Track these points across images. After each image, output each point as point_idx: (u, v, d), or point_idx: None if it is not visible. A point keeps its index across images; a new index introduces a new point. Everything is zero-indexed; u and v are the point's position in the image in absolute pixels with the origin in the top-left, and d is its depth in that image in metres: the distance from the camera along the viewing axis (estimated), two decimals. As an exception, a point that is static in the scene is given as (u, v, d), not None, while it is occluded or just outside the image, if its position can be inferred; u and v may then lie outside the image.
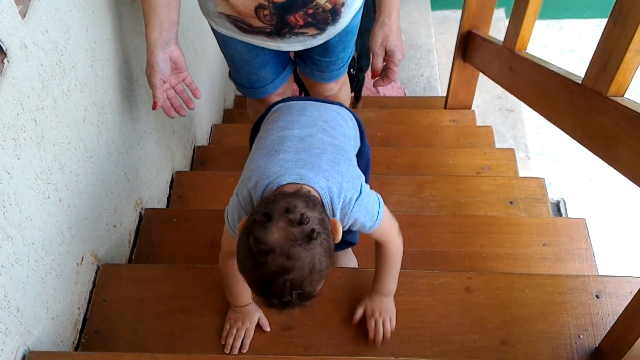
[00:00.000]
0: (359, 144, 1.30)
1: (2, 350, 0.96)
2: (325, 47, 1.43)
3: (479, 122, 2.76)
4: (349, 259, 1.58)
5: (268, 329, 1.24)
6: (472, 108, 2.78)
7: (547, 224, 1.62)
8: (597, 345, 1.21)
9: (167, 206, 1.86)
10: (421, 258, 1.55)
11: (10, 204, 0.97)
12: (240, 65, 1.50)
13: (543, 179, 1.91)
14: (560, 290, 1.29)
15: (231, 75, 1.62)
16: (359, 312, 1.24)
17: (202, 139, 2.40)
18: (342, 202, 0.98)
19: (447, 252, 1.56)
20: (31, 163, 1.04)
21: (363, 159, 1.33)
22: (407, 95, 3.43)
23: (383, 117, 2.67)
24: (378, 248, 1.17)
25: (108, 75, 1.36)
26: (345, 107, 1.33)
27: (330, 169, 1.00)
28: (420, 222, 1.63)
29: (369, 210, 1.02)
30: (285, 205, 0.87)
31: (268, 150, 1.06)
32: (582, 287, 1.30)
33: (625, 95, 1.27)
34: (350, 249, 1.57)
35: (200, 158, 2.23)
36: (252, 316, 1.24)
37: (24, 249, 1.02)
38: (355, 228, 1.05)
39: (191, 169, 2.19)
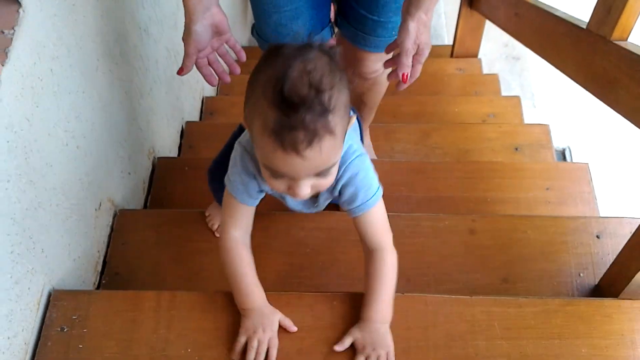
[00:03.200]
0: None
1: (29, 288, 1.01)
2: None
3: (485, 71, 2.76)
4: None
5: (295, 329, 1.03)
6: (479, 56, 2.78)
7: (550, 168, 1.65)
8: (596, 283, 1.26)
9: (179, 155, 1.90)
10: (426, 203, 1.59)
11: (31, 150, 1.01)
12: (269, 11, 1.27)
13: (548, 125, 1.94)
14: (562, 231, 1.33)
15: (255, 29, 1.37)
16: (347, 342, 1.01)
17: (211, 90, 2.43)
18: (346, 149, 0.93)
19: (452, 197, 1.60)
20: (49, 111, 1.07)
21: None
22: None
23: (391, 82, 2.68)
24: (369, 260, 1.03)
25: (117, 25, 1.38)
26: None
27: None
28: (425, 168, 1.67)
29: (367, 175, 0.97)
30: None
31: None
32: (583, 227, 1.34)
33: (628, 40, 1.28)
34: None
35: (209, 108, 2.26)
36: (271, 319, 1.01)
37: (46, 194, 1.06)
38: (345, 196, 0.98)
39: (200, 119, 2.22)
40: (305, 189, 0.84)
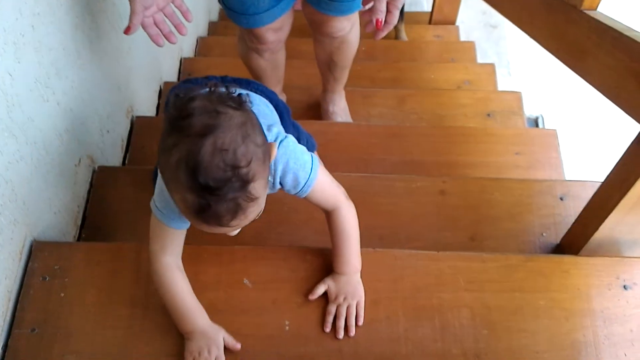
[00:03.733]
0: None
1: (11, 238, 1.04)
2: None
3: (463, 38, 2.80)
4: None
5: (239, 347, 1.01)
6: (457, 24, 2.81)
7: (520, 134, 1.71)
8: (558, 242, 1.33)
9: (157, 115, 1.91)
10: (401, 166, 1.64)
11: (13, 105, 1.02)
12: None
13: (520, 92, 1.99)
14: (528, 193, 1.39)
15: None
16: (320, 290, 1.07)
17: (189, 51, 2.43)
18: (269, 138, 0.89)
19: (425, 161, 1.65)
20: (31, 67, 1.08)
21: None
22: (393, 10, 3.43)
23: (368, 33, 2.69)
24: (330, 220, 1.05)
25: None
26: (264, 93, 1.18)
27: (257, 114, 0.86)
28: (401, 132, 1.71)
29: (298, 158, 0.93)
30: (206, 87, 0.78)
31: None
32: (547, 190, 1.40)
33: (598, 9, 1.32)
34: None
35: (187, 69, 2.27)
36: (216, 339, 1.00)
37: (27, 148, 1.08)
38: (287, 185, 0.96)
39: (178, 79, 2.23)
40: (235, 233, 0.86)
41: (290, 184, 0.95)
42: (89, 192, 1.38)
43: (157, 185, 0.95)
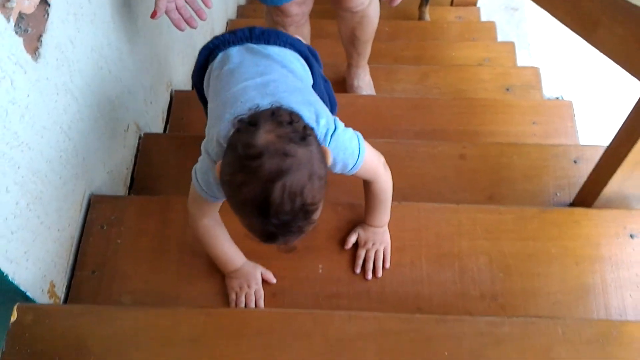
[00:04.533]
0: (311, 81, 1.21)
1: (73, 190, 1.16)
2: None
3: (483, 19, 2.87)
4: None
5: (274, 281, 1.15)
6: (477, 5, 2.88)
7: (537, 105, 1.79)
8: (571, 201, 1.42)
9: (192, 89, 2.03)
10: (424, 135, 1.73)
11: (74, 70, 1.14)
12: None
13: (538, 68, 2.07)
14: (544, 156, 1.48)
15: None
16: (352, 239, 1.18)
17: (220, 31, 2.54)
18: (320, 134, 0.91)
19: (447, 130, 1.74)
20: (87, 36, 1.20)
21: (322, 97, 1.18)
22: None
23: (391, 13, 2.78)
24: (367, 185, 1.12)
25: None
26: (293, 46, 1.19)
27: (302, 103, 0.93)
28: (423, 104, 1.80)
29: (347, 147, 0.95)
30: (269, 112, 0.80)
31: (231, 101, 0.96)
32: (562, 154, 1.48)
33: (610, -19, 1.40)
34: None
35: (219, 49, 2.37)
36: (254, 275, 1.13)
37: (86, 110, 1.20)
38: (337, 170, 0.97)
39: (211, 59, 2.34)
40: None
41: (339, 169, 0.97)
42: (135, 156, 1.50)
43: (200, 158, 0.99)
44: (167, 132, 1.74)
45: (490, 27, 2.64)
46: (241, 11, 3.01)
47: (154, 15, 1.21)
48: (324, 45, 2.11)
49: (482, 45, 2.39)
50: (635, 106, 1.14)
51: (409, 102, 1.81)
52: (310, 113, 0.91)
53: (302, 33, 1.74)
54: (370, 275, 1.14)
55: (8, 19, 0.90)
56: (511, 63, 2.29)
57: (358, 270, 1.15)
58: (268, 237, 0.78)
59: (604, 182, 1.24)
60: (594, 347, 0.92)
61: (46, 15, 1.02)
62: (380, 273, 1.15)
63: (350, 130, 0.97)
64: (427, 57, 2.34)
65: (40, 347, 0.92)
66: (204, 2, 1.30)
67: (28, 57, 0.96)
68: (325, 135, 0.91)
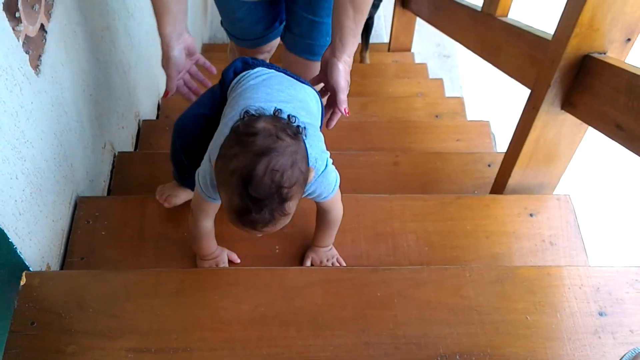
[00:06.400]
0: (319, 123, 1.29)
1: (64, 190, 1.36)
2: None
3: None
4: None
5: (238, 261, 1.32)
6: (412, 51, 3.22)
7: (460, 125, 2.10)
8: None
9: (157, 118, 2.25)
10: (363, 151, 1.99)
11: (65, 87, 1.36)
12: (234, 21, 1.58)
13: (462, 97, 2.38)
14: (464, 162, 1.76)
15: (223, 25, 1.66)
16: (307, 263, 1.33)
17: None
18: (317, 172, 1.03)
19: (383, 147, 2.01)
20: (73, 62, 1.42)
21: None
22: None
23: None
24: (321, 212, 1.23)
25: (114, 6, 1.75)
26: (313, 88, 1.29)
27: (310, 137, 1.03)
28: (362, 126, 2.08)
29: (329, 183, 1.09)
30: (273, 111, 0.95)
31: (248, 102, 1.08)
32: (479, 159, 1.76)
33: (508, 16, 1.72)
34: None
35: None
36: (222, 257, 1.30)
37: (73, 123, 1.41)
38: (311, 196, 1.10)
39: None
40: (260, 234, 0.98)
41: (313, 196, 1.11)
42: (111, 172, 1.71)
43: (203, 162, 1.09)
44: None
45: (423, 67, 2.98)
46: (204, 48, 3.30)
47: (166, 95, 1.35)
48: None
49: (415, 82, 2.71)
50: (520, 116, 1.42)
51: (350, 124, 2.08)
52: (312, 149, 1.01)
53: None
54: None
55: (18, 39, 1.12)
56: (440, 95, 2.61)
57: None
58: (243, 211, 0.87)
59: (508, 176, 1.51)
60: (494, 286, 1.15)
61: (44, 40, 1.25)
62: None
63: (334, 170, 1.12)
64: (367, 92, 2.64)
65: (47, 304, 1.10)
66: (208, 70, 1.41)
67: (32, 71, 1.18)
68: (316, 172, 1.03)
